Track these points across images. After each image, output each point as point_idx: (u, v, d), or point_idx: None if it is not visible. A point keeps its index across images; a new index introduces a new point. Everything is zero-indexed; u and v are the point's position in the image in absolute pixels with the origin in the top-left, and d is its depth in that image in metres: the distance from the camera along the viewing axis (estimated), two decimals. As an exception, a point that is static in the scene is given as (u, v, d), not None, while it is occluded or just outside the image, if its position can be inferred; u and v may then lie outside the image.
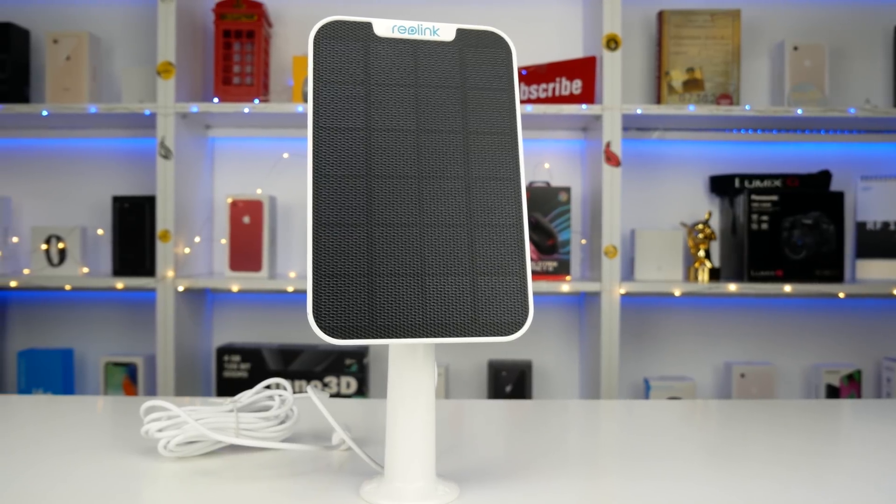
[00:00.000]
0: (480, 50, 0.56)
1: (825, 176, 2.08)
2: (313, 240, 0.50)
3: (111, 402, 0.87)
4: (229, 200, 1.99)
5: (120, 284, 1.92)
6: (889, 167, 2.17)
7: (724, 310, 2.17)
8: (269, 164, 2.17)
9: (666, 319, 2.17)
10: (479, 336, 0.51)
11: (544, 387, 2.17)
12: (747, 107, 1.92)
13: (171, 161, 1.90)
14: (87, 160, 2.18)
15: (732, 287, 1.90)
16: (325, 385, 2.00)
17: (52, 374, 2.06)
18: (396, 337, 0.50)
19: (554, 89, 2.01)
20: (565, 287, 1.89)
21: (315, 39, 0.53)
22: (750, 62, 2.16)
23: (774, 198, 1.96)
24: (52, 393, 2.05)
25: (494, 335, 0.51)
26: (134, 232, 1.99)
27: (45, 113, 1.92)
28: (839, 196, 1.97)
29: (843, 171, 2.16)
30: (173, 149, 1.90)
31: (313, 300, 0.49)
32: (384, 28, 0.55)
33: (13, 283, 1.93)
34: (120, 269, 1.99)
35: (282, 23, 2.17)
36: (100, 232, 2.17)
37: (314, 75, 0.53)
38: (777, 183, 2.09)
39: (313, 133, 0.52)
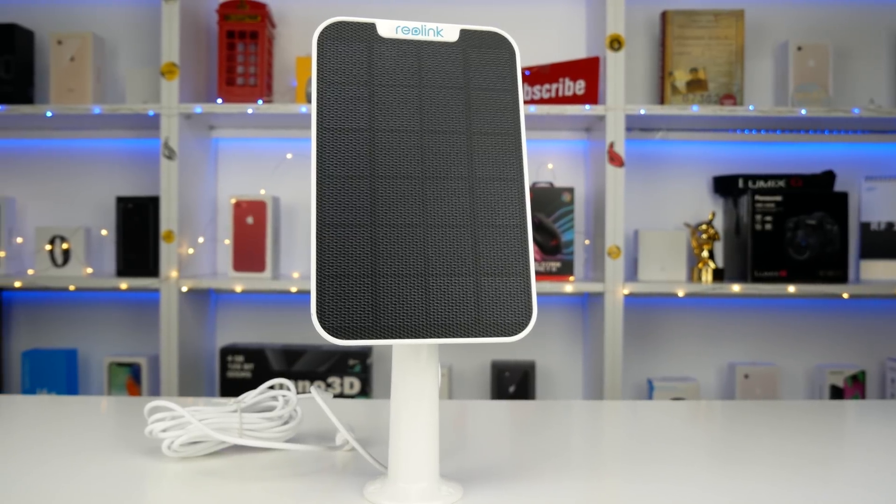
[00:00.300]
0: (484, 50, 0.56)
1: (829, 176, 2.08)
2: (317, 240, 0.50)
3: (115, 403, 0.88)
4: (233, 201, 2.00)
5: (124, 285, 1.92)
6: (893, 167, 2.16)
7: (727, 310, 2.17)
8: (273, 164, 2.17)
9: (669, 320, 2.17)
10: (483, 336, 0.51)
11: (547, 387, 2.17)
12: (751, 107, 1.91)
13: (175, 162, 1.90)
14: (90, 161, 2.19)
15: (736, 287, 1.89)
16: (329, 385, 2.00)
17: (55, 374, 2.06)
18: (400, 337, 0.50)
19: (557, 90, 2.01)
20: (569, 287, 1.88)
21: (319, 40, 0.53)
22: (753, 62, 2.16)
23: (778, 198, 1.95)
24: (55, 393, 2.06)
25: (498, 336, 0.51)
26: (138, 232, 1.99)
27: (49, 114, 1.93)
28: (843, 196, 1.96)
29: (847, 172, 2.16)
30: (177, 149, 1.90)
31: (317, 301, 0.49)
32: (388, 29, 0.55)
33: (17, 284, 1.94)
34: (124, 270, 1.99)
35: (285, 23, 2.17)
36: (104, 232, 2.17)
37: (318, 76, 0.53)
38: (781, 183, 2.09)
39: (317, 134, 0.52)
